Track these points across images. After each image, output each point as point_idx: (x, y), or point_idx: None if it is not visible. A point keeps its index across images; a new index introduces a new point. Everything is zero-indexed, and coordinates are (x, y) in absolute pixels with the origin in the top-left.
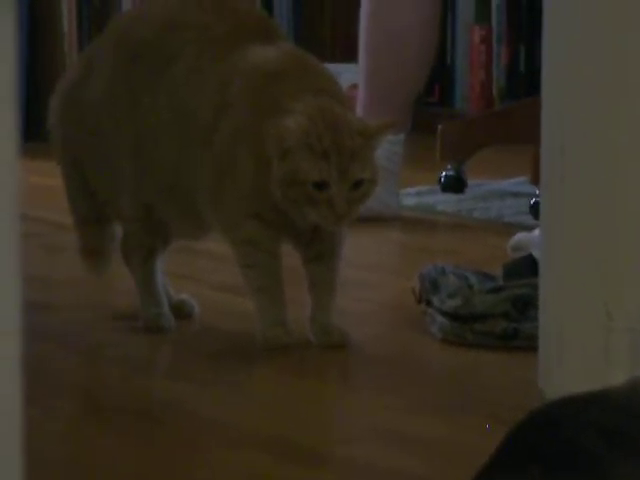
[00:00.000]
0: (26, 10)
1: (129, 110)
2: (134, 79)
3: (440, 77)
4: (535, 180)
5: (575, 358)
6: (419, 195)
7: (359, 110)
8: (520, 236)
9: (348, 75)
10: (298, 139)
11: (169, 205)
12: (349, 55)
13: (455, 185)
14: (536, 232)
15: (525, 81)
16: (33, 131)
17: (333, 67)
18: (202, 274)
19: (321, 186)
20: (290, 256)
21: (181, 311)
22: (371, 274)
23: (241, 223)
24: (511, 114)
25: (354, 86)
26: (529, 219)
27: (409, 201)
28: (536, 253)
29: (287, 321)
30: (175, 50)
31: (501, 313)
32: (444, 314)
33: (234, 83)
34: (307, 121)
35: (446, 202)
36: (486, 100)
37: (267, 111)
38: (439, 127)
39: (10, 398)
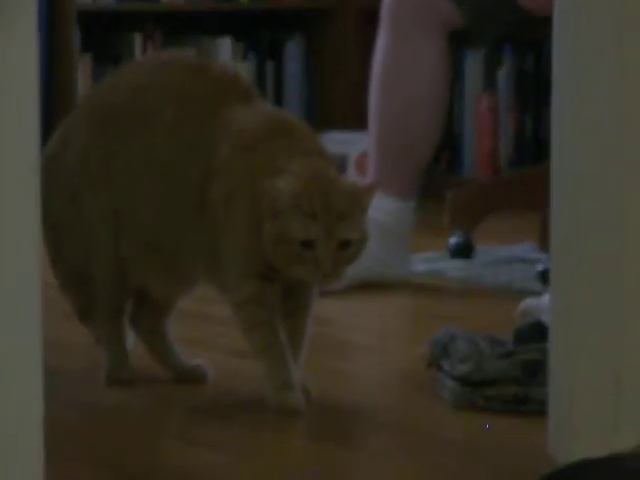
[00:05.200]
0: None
1: (104, 172)
2: (108, 141)
3: (448, 144)
4: (542, 246)
5: (585, 423)
6: (428, 261)
7: (369, 178)
8: (529, 302)
9: (359, 143)
10: (289, 200)
11: (149, 262)
12: (360, 123)
13: (464, 251)
14: (544, 298)
15: (531, 148)
16: None
17: (344, 135)
18: (213, 339)
19: (308, 245)
20: None
21: (195, 376)
22: (381, 340)
23: (241, 283)
24: (519, 181)
25: (364, 154)
26: (537, 285)
27: (418, 267)
28: (545, 319)
29: (295, 382)
30: (151, 110)
31: (511, 378)
32: (455, 379)
33: (223, 145)
34: (299, 182)
35: (455, 268)
36: (493, 167)
37: (260, 172)
38: (448, 194)
39: (34, 463)
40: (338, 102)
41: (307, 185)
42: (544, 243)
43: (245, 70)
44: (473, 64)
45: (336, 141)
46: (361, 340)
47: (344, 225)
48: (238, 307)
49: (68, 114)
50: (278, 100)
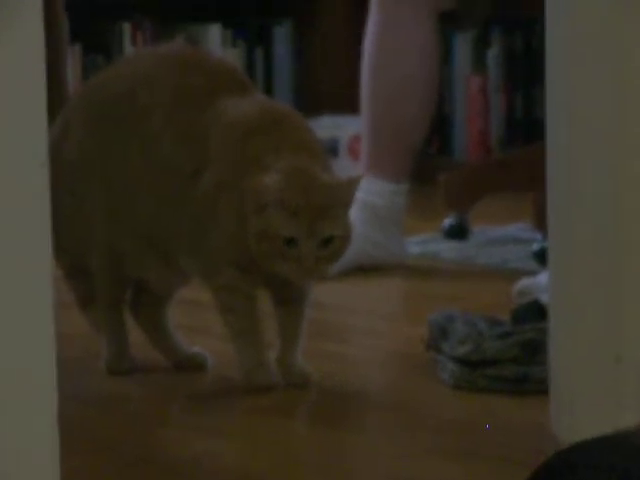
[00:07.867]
0: None
1: (101, 166)
2: (105, 136)
3: (438, 127)
4: (537, 226)
5: (586, 401)
6: (423, 243)
7: (363, 161)
8: (525, 282)
9: (350, 127)
10: (272, 197)
11: (145, 255)
12: (351, 107)
13: (458, 232)
14: (540, 277)
15: (522, 129)
16: None
17: (335, 119)
18: (212, 326)
19: (290, 242)
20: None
21: (194, 363)
22: (378, 322)
23: (220, 270)
24: (512, 162)
25: (356, 137)
26: (532, 264)
27: (413, 249)
28: (542, 298)
29: (268, 362)
30: (147, 104)
31: (511, 358)
32: (455, 360)
33: (215, 137)
34: (282, 179)
35: (450, 249)
36: (484, 149)
37: (248, 166)
38: (441, 176)
39: (50, 455)
40: (328, 86)
41: (289, 181)
42: (539, 223)
43: (234, 57)
44: (462, 45)
45: (327, 125)
46: (358, 323)
47: (327, 222)
48: (215, 291)
49: (65, 105)
50: (268, 85)
